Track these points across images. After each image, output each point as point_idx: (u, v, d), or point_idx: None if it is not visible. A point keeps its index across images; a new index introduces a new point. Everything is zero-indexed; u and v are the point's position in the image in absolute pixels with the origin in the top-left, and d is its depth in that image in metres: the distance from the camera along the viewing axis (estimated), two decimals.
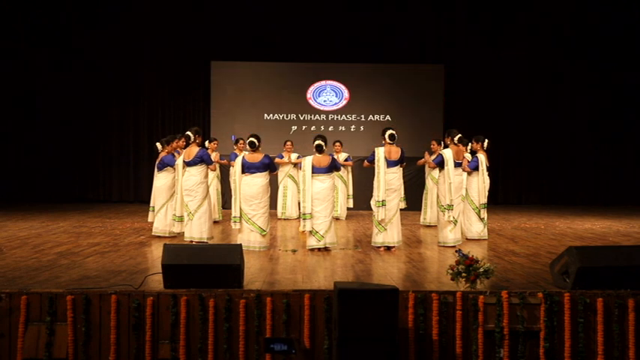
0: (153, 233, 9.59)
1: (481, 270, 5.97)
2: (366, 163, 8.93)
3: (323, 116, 15.06)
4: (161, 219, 9.58)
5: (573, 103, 15.59)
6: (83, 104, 15.11)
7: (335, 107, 15.08)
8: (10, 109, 15.08)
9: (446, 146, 9.43)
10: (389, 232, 8.47)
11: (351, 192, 12.35)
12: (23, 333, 5.71)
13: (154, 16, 15.06)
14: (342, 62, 15.08)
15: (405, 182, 9.19)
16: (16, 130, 15.10)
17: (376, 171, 8.55)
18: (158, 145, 10.14)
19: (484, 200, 9.53)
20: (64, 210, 13.21)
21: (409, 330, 5.75)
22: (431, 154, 10.47)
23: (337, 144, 12.38)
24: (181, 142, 9.95)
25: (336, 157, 11.24)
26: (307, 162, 8.48)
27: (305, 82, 15.07)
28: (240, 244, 6.35)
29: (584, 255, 6.02)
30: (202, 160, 8.84)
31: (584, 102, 15.52)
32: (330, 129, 14.80)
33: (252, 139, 8.60)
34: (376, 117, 15.07)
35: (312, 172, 8.43)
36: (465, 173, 9.46)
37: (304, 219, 8.37)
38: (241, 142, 11.42)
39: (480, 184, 9.49)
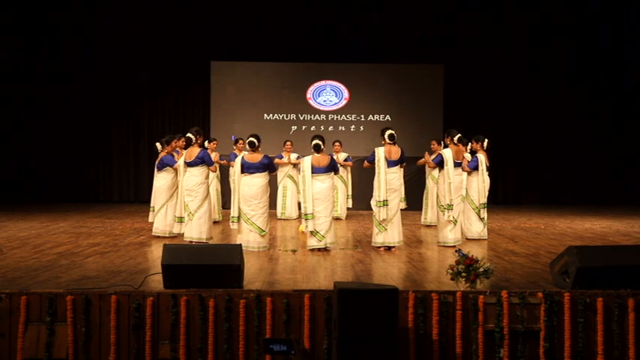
0: (153, 233, 9.59)
1: (481, 270, 5.98)
2: (366, 163, 8.92)
3: (323, 116, 15.06)
4: (161, 219, 9.58)
5: (573, 103, 15.58)
6: (83, 104, 15.12)
7: (335, 107, 15.08)
8: (10, 109, 15.07)
9: (446, 146, 9.43)
10: (389, 232, 8.46)
11: (350, 192, 12.34)
12: (23, 333, 5.71)
13: (154, 16, 15.06)
14: (342, 62, 15.08)
15: (405, 182, 9.19)
16: (17, 130, 15.10)
17: (377, 171, 8.54)
18: (158, 145, 10.13)
19: (484, 200, 9.53)
20: (64, 210, 13.21)
21: (409, 330, 5.75)
22: (431, 154, 10.47)
23: (337, 144, 12.38)
24: (181, 142, 9.96)
25: (335, 157, 11.25)
26: (306, 162, 8.48)
27: (305, 82, 15.06)
28: (240, 245, 6.35)
29: (584, 255, 6.02)
30: (203, 160, 8.84)
31: (584, 102, 15.52)
32: (330, 129, 14.80)
33: (251, 139, 8.60)
34: (376, 117, 15.07)
35: (312, 172, 8.42)
36: (465, 173, 9.47)
37: (306, 219, 8.36)
38: (241, 142, 11.42)
39: (480, 183, 9.49)
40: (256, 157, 8.53)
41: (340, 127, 14.99)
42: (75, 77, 15.10)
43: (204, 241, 8.61)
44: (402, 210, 8.83)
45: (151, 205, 9.90)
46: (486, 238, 9.53)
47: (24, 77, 15.10)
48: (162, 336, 5.77)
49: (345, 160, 12.23)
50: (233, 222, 8.48)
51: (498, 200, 15.16)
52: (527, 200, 15.63)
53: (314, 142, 8.58)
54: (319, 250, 8.34)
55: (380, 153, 8.54)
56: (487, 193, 9.63)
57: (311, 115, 15.05)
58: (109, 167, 15.45)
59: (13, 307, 5.74)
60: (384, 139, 8.65)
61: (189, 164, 8.85)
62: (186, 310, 5.76)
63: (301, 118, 15.04)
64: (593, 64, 15.42)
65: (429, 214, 11.31)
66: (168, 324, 5.77)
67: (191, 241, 8.57)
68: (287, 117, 15.05)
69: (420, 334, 5.76)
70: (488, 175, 9.68)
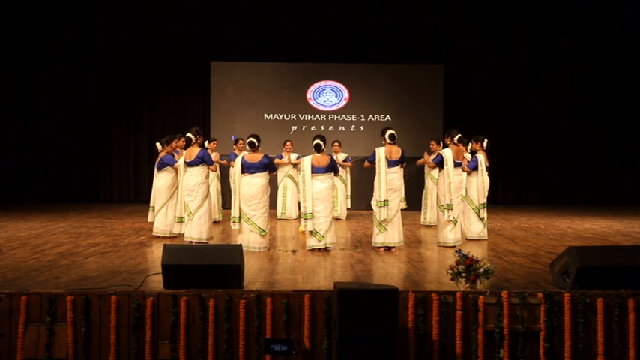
0: (153, 233, 9.59)
1: (481, 270, 5.97)
2: (366, 163, 8.92)
3: (323, 116, 15.06)
4: (161, 219, 9.58)
5: (573, 104, 15.58)
6: (83, 104, 15.12)
7: (335, 107, 15.08)
8: (10, 109, 15.07)
9: (445, 146, 9.43)
10: (389, 232, 8.46)
11: (349, 192, 12.34)
12: (23, 333, 5.71)
13: (154, 16, 15.06)
14: (342, 62, 15.08)
15: (404, 182, 9.19)
16: (16, 130, 15.10)
17: (377, 171, 8.54)
18: (158, 145, 10.14)
19: (483, 200, 9.53)
20: (64, 210, 13.20)
21: (409, 330, 5.75)
22: (430, 154, 10.47)
23: (336, 144, 12.37)
24: (181, 142, 9.95)
25: (335, 157, 11.24)
26: (306, 162, 8.48)
27: (305, 82, 15.06)
28: (240, 245, 6.36)
29: (584, 255, 6.02)
30: (203, 160, 8.85)
31: (584, 102, 15.52)
32: (330, 129, 14.79)
33: (251, 139, 8.60)
34: (376, 117, 15.07)
35: (312, 172, 8.42)
36: (465, 173, 9.47)
37: (305, 219, 8.36)
38: (241, 142, 11.42)
39: (480, 184, 9.49)
40: (256, 157, 8.53)
41: (340, 127, 14.99)
42: (74, 77, 15.09)
43: (205, 241, 8.61)
44: (401, 210, 8.83)
45: (151, 205, 9.90)
46: (486, 238, 9.53)
47: (23, 77, 15.09)
48: (162, 336, 5.78)
49: (345, 160, 12.22)
50: (234, 222, 8.48)
51: (498, 200, 15.16)
52: (527, 200, 15.63)
53: (315, 142, 8.59)
54: (319, 250, 8.34)
55: (380, 153, 8.54)
56: (487, 194, 9.63)
57: (311, 115, 15.05)
58: (109, 167, 15.45)
59: (13, 307, 5.74)
60: (385, 139, 8.65)
61: (189, 164, 8.85)
62: (186, 310, 5.76)
63: (301, 118, 15.04)
64: (594, 63, 15.40)
65: (428, 214, 11.31)
66: (168, 324, 5.77)
67: (191, 241, 8.57)
68: (287, 117, 15.05)
69: (420, 334, 5.76)
70: (488, 175, 9.68)
